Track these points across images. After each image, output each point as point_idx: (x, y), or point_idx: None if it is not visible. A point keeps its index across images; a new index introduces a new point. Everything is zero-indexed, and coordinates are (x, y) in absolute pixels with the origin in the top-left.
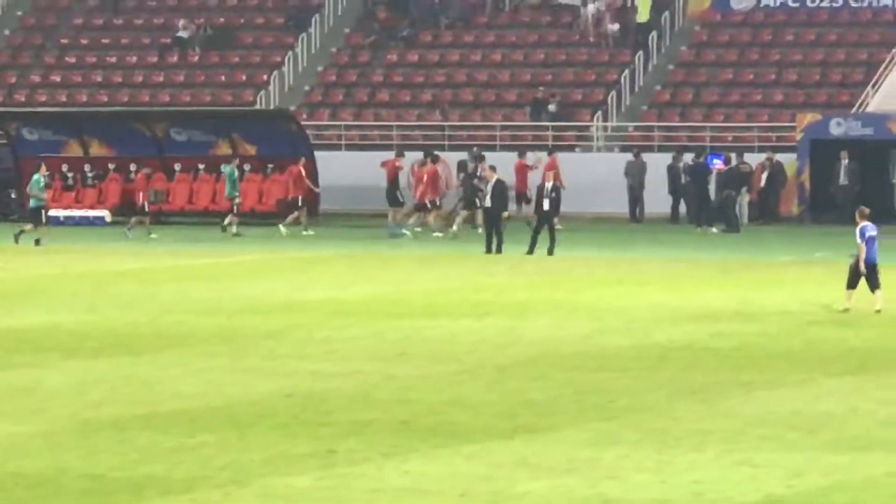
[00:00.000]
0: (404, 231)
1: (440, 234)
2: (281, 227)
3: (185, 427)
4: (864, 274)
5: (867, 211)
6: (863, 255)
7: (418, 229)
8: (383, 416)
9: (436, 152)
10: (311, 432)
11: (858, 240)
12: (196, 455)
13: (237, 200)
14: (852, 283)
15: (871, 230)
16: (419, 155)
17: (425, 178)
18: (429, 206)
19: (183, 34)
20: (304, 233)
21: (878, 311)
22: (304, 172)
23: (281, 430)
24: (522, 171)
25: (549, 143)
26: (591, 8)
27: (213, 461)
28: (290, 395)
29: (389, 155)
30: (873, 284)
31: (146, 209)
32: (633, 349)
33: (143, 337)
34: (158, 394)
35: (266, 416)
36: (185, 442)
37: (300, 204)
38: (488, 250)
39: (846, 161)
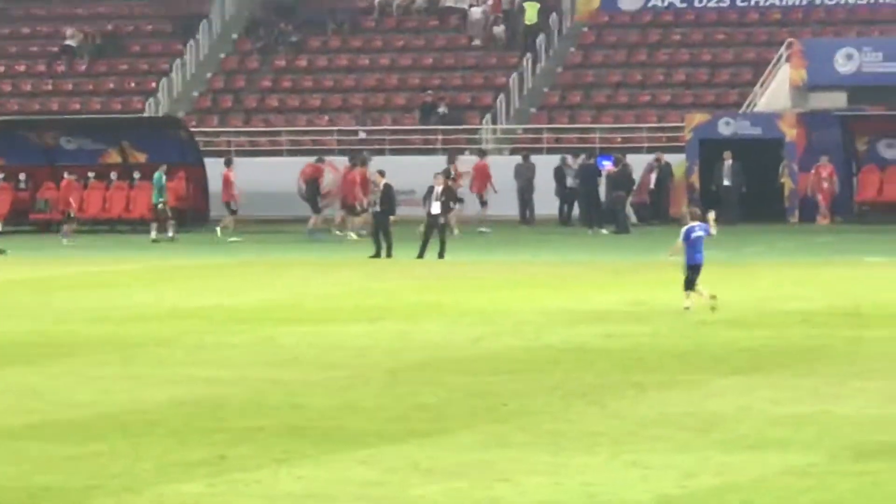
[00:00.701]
0: (349, 234)
1: (341, 234)
2: (218, 232)
3: (79, 436)
4: (686, 275)
5: (698, 212)
6: (680, 256)
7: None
8: (276, 421)
9: (364, 154)
10: (204, 439)
11: (679, 240)
12: (89, 464)
13: (160, 206)
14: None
15: (699, 231)
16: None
17: (358, 180)
18: (358, 209)
19: (71, 42)
20: (220, 232)
21: (713, 298)
22: (231, 178)
23: (173, 437)
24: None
25: (439, 146)
26: (477, 11)
27: (107, 469)
28: (182, 402)
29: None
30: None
31: (72, 215)
32: (524, 351)
33: (34, 346)
34: (51, 403)
35: (158, 423)
36: (78, 451)
37: (233, 208)
38: (377, 255)
39: (730, 161)
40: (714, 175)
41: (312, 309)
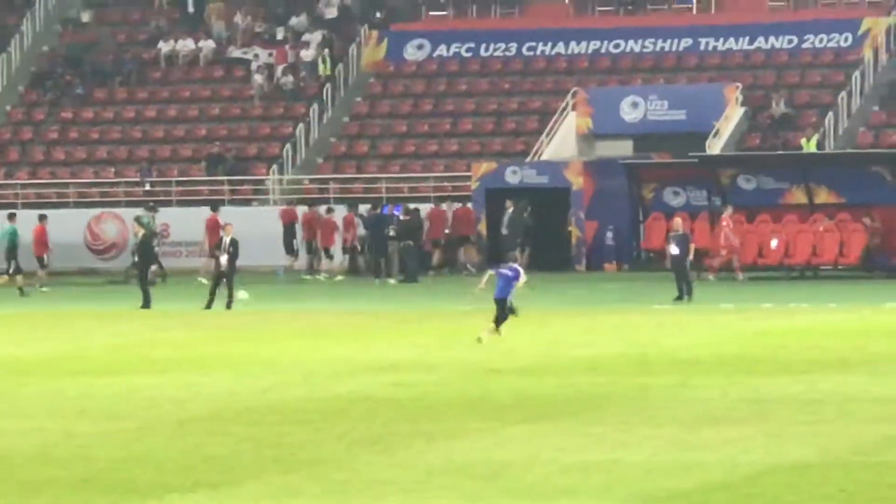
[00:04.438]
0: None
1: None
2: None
3: None
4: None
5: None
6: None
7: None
8: (64, 473)
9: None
10: None
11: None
12: None
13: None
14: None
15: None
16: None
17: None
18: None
19: None
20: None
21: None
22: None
23: None
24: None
25: (226, 197)
26: (259, 77)
27: None
28: None
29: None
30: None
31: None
32: (312, 401)
33: None
34: None
35: None
36: None
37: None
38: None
39: (511, 210)
40: (499, 224)
41: (99, 360)
